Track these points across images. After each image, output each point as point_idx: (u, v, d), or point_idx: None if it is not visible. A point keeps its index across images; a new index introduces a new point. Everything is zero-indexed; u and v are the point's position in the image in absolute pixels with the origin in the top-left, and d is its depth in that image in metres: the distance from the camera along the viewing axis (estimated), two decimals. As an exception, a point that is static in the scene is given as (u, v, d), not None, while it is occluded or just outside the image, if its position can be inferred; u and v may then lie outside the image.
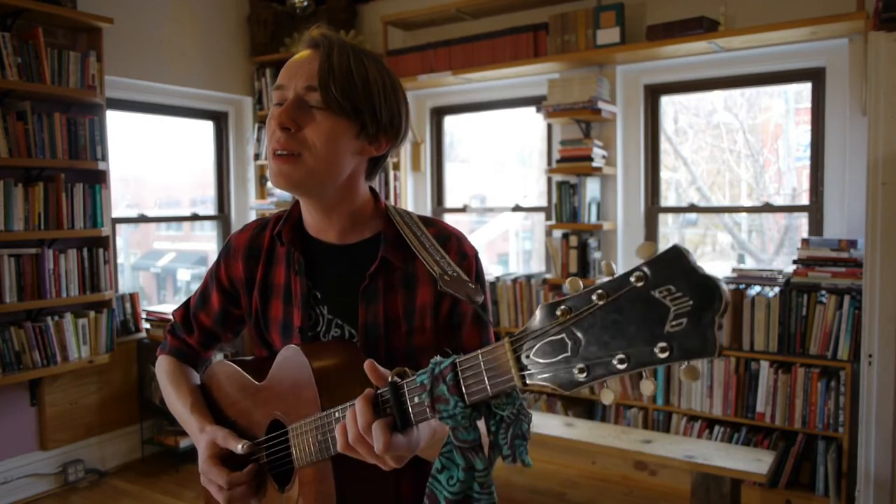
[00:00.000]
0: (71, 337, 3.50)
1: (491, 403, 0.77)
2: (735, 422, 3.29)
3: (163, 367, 1.30)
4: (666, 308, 0.60)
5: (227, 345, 1.38)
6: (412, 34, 4.37)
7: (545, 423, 3.25)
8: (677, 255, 0.61)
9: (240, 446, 1.08)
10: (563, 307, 0.68)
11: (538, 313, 0.70)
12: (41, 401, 3.55)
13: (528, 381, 0.71)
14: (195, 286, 5.20)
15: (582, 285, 0.68)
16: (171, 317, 1.33)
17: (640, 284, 0.62)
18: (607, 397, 0.68)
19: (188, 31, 4.22)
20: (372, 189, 1.16)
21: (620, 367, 0.63)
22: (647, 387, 0.64)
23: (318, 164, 1.02)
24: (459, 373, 0.77)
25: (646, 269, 0.62)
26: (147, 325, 3.97)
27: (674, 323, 0.60)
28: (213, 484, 1.10)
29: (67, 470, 3.62)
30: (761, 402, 3.19)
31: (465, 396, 0.77)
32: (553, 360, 0.68)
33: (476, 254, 1.13)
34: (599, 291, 0.65)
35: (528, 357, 0.70)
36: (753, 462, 2.72)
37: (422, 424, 0.87)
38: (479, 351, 0.75)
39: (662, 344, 0.60)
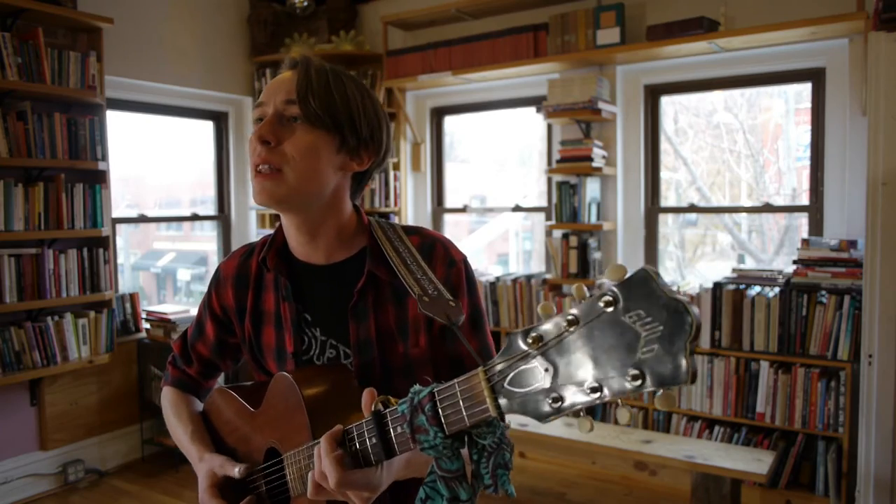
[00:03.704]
0: (71, 337, 3.50)
1: (472, 432, 0.77)
2: (735, 422, 3.29)
3: (166, 397, 1.30)
4: (637, 334, 0.59)
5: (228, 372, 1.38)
6: (412, 34, 4.37)
7: (545, 423, 3.25)
8: (645, 279, 0.59)
9: (236, 469, 1.08)
10: (534, 334, 0.66)
11: (510, 341, 0.69)
12: (41, 401, 3.55)
13: (503, 411, 0.70)
14: (195, 286, 5.23)
15: (554, 310, 0.66)
16: (170, 346, 1.34)
17: (609, 310, 0.60)
18: (584, 427, 0.66)
19: (188, 31, 4.22)
20: (356, 206, 1.15)
21: (593, 396, 0.62)
22: (623, 415, 0.64)
23: (299, 178, 1.01)
24: (438, 402, 0.76)
25: (615, 292, 0.60)
26: (147, 326, 3.97)
27: (645, 349, 0.58)
28: None
29: (67, 470, 3.62)
30: (761, 402, 3.19)
31: (445, 427, 0.76)
32: (527, 389, 0.67)
33: (464, 258, 1.12)
34: (570, 317, 0.63)
35: (502, 386, 0.69)
36: (753, 462, 2.72)
37: (392, 462, 0.88)
38: (455, 380, 0.75)
39: (634, 371, 0.59)
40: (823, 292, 3.04)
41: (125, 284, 4.41)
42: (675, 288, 0.62)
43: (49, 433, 3.56)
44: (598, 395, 0.62)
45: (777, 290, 3.17)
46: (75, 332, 3.52)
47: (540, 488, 3.50)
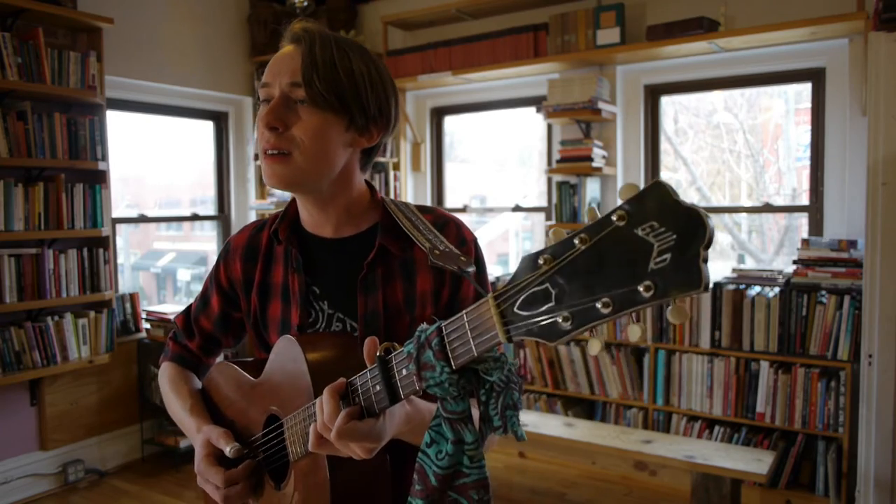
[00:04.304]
0: (71, 337, 3.50)
1: (479, 369, 0.76)
2: (735, 422, 3.29)
3: (164, 373, 1.29)
4: (650, 245, 0.57)
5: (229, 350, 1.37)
6: (412, 34, 4.37)
7: (545, 423, 3.25)
8: (659, 191, 0.58)
9: (228, 448, 1.07)
10: (545, 255, 0.65)
11: (521, 265, 0.67)
12: (41, 401, 3.55)
13: (513, 336, 0.68)
14: (195, 286, 5.22)
15: (566, 233, 0.65)
16: (172, 321, 1.33)
17: (622, 224, 0.59)
18: (594, 347, 0.65)
19: (188, 31, 4.22)
20: (369, 183, 1.16)
21: (605, 311, 0.60)
22: (633, 332, 0.62)
23: (309, 161, 1.01)
24: (445, 337, 0.75)
25: (627, 207, 0.59)
26: (147, 326, 3.97)
27: (658, 260, 0.57)
28: (209, 483, 1.09)
29: (67, 470, 3.62)
30: (761, 402, 3.19)
31: (451, 360, 0.75)
32: (537, 311, 0.66)
33: (475, 239, 1.12)
34: (582, 235, 0.62)
35: (512, 311, 0.68)
36: (753, 462, 2.72)
37: (393, 410, 0.87)
38: (463, 311, 0.73)
39: (647, 282, 0.57)
40: (823, 292, 3.04)
41: (125, 284, 4.41)
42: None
43: (49, 433, 3.56)
44: (609, 310, 0.60)
45: (777, 290, 3.17)
46: (75, 332, 3.52)
47: (540, 488, 3.50)
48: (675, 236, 0.56)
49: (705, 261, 0.56)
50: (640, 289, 0.58)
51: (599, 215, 0.62)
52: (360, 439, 0.85)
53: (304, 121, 1.00)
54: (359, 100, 1.02)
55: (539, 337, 0.66)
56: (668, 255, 0.57)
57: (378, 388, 0.84)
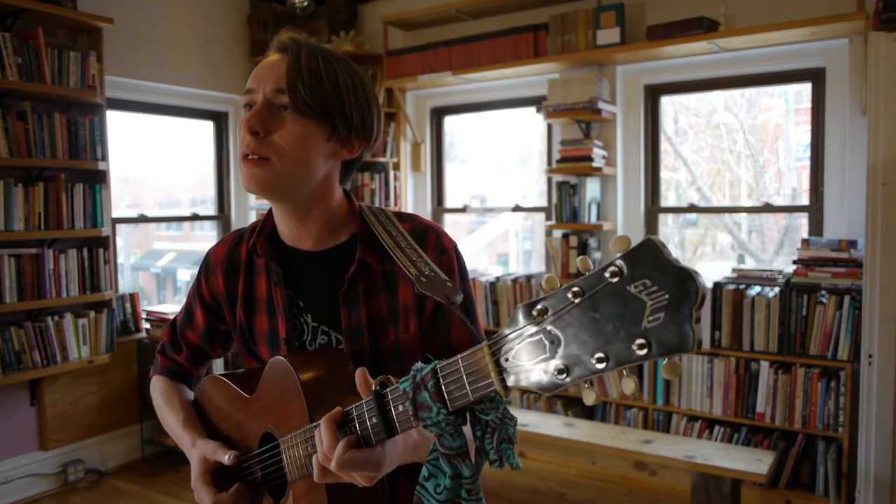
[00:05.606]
0: (71, 337, 3.50)
1: (475, 408, 0.76)
2: (735, 422, 3.29)
3: (156, 386, 1.30)
4: (642, 303, 0.59)
5: (218, 359, 1.38)
6: (412, 34, 4.37)
7: (545, 423, 3.25)
8: (652, 249, 0.59)
9: (227, 457, 1.08)
10: (539, 307, 0.66)
11: (516, 314, 0.69)
12: (41, 401, 3.55)
13: (508, 385, 0.69)
14: (195, 286, 5.22)
15: (559, 283, 0.66)
16: (159, 335, 1.33)
17: (615, 280, 0.61)
18: (589, 398, 0.66)
19: (188, 31, 4.22)
20: (346, 191, 1.15)
21: (599, 366, 0.62)
22: (627, 385, 0.63)
23: (288, 167, 1.01)
24: (441, 379, 0.76)
25: (620, 263, 0.60)
26: (147, 326, 3.97)
27: (651, 318, 0.59)
28: (202, 502, 1.10)
29: (67, 470, 3.62)
30: (761, 402, 3.19)
31: (448, 403, 0.76)
32: (532, 361, 0.67)
33: (455, 246, 1.12)
34: (575, 289, 0.63)
35: (507, 360, 0.69)
36: (753, 462, 2.72)
37: (396, 442, 0.88)
38: (458, 356, 0.74)
39: (640, 341, 0.59)
40: (823, 292, 3.04)
41: (125, 284, 4.41)
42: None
43: (49, 433, 3.56)
44: (604, 365, 0.62)
45: (777, 290, 3.17)
46: (75, 332, 3.52)
47: (540, 488, 3.50)
48: (667, 296, 0.58)
49: (697, 321, 0.57)
50: (635, 347, 0.59)
51: (592, 267, 0.64)
52: (360, 468, 0.85)
53: (286, 127, 1.00)
54: (342, 110, 1.02)
55: (534, 387, 0.67)
56: (661, 315, 0.58)
57: (374, 420, 0.84)
